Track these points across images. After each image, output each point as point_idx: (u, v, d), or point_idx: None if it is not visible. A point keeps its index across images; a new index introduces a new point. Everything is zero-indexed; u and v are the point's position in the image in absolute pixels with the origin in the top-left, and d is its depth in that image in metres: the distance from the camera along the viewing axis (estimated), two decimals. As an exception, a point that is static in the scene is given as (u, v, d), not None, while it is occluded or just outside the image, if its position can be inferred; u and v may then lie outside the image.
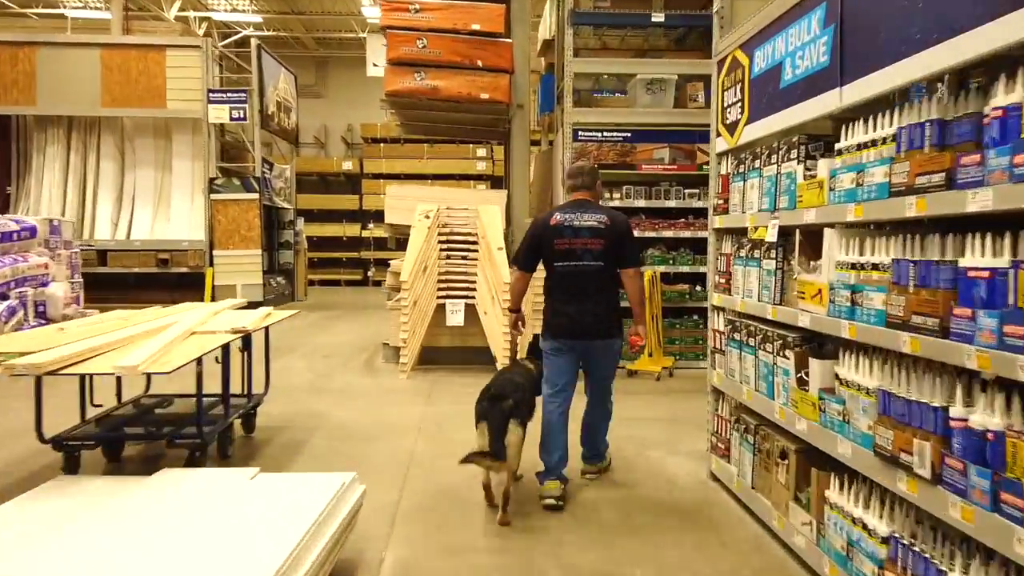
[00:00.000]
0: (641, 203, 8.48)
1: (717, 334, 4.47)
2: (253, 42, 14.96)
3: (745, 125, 4.11)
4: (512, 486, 4.01)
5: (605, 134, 8.50)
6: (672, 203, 8.50)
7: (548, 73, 11.12)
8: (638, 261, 4.43)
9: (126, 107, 14.30)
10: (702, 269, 8.50)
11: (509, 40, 8.76)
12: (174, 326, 4.39)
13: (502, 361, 7.79)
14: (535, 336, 8.11)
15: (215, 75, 14.73)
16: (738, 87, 4.20)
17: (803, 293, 3.30)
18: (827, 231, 3.13)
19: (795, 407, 3.36)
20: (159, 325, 4.51)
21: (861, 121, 2.94)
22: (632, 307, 4.45)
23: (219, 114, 14.37)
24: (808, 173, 3.37)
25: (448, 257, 8.11)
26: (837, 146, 3.09)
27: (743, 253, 4.09)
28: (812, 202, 3.24)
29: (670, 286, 8.48)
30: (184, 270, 14.38)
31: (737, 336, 4.13)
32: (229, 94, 14.52)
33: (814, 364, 3.23)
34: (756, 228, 3.93)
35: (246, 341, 5.23)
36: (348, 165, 22.11)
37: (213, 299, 14.22)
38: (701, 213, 8.56)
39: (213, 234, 14.36)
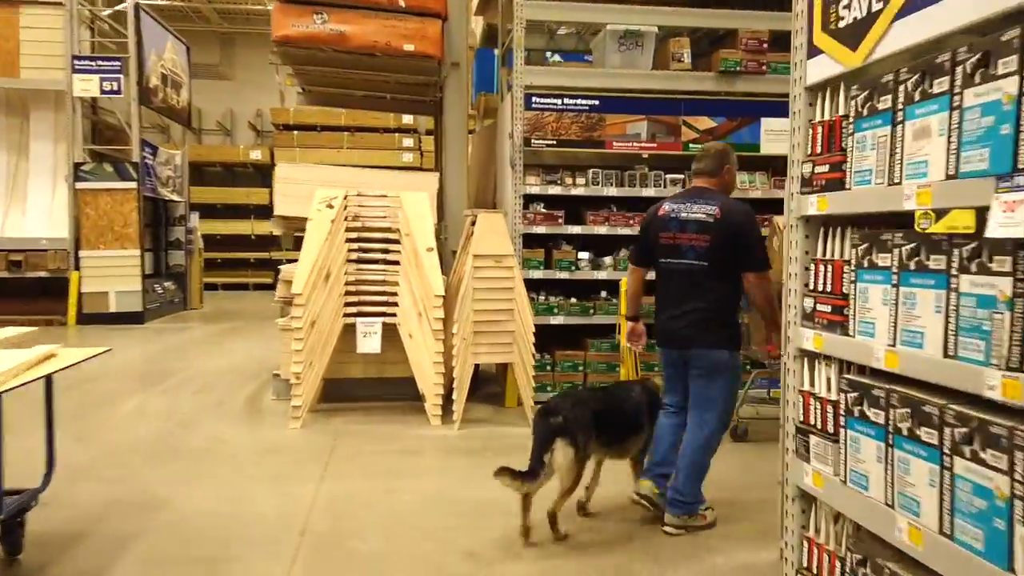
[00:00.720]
0: (611, 191, 6.58)
1: (815, 402, 2.54)
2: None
3: (893, 21, 2.19)
4: (560, 507, 3.47)
5: (566, 101, 6.54)
6: (650, 191, 6.62)
7: (484, 47, 9.16)
8: (761, 263, 3.61)
9: (-32, 76, 11.68)
10: (689, 276, 6.65)
11: (441, -26, 6.72)
12: None
13: (432, 400, 5.77)
14: (476, 367, 6.19)
15: (81, 39, 12.20)
16: (875, -48, 2.28)
17: None
18: None
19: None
20: None
21: None
22: (762, 317, 3.81)
23: (87, 86, 11.88)
24: None
25: (360, 261, 6.02)
26: None
27: (888, 261, 2.18)
28: None
29: (648, 297, 6.51)
30: (43, 274, 11.85)
31: (876, 416, 2.20)
32: (100, 62, 12.04)
33: None
34: (935, 213, 2.01)
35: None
36: (257, 155, 19.55)
37: (79, 309, 11.76)
38: (686, 204, 6.71)
39: (80, 231, 11.87)
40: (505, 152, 6.76)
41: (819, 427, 2.51)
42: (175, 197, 14.10)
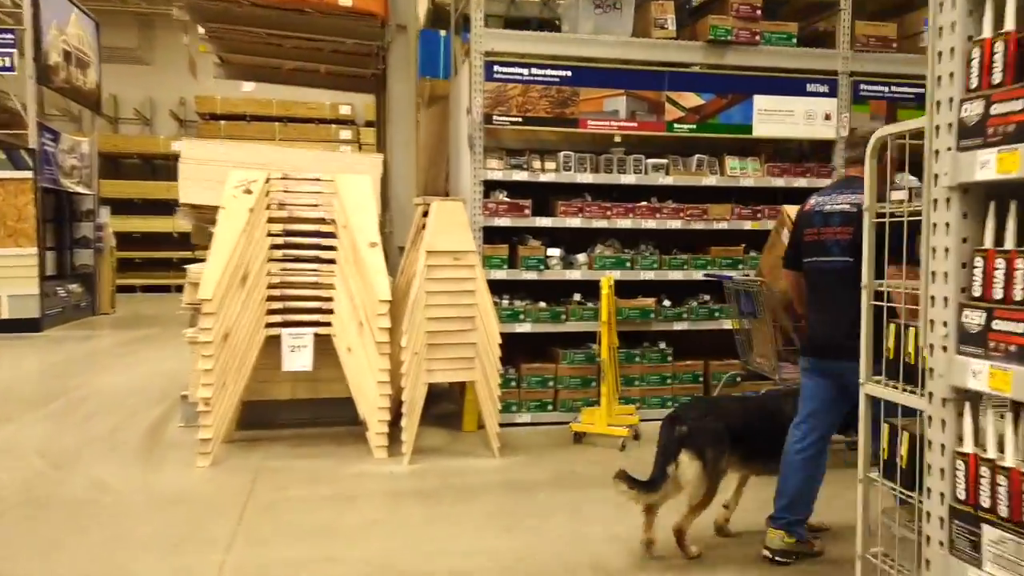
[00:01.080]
0: (585, 177, 5.69)
1: (993, 475, 1.62)
2: (25, -36, 11.00)
3: None
4: (688, 525, 3.22)
5: (534, 71, 5.59)
6: (630, 178, 5.76)
7: (428, 28, 8.14)
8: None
9: None
10: (673, 275, 5.79)
11: (384, -83, 5.68)
12: None
13: (376, 427, 4.74)
14: (431, 389, 5.17)
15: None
16: None
17: None
18: None
19: None
20: None
21: None
22: None
23: (-27, 61, 10.44)
24: None
25: (286, 259, 4.94)
26: None
27: None
28: None
29: (628, 300, 5.68)
30: (-77, 276, 10.38)
31: None
32: (-11, 35, 10.59)
33: None
34: None
35: None
36: (179, 146, 18.07)
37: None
38: (670, 193, 5.90)
39: (-35, 227, 10.42)
40: (461, 131, 5.77)
41: (1004, 516, 1.59)
42: (82, 190, 12.66)
